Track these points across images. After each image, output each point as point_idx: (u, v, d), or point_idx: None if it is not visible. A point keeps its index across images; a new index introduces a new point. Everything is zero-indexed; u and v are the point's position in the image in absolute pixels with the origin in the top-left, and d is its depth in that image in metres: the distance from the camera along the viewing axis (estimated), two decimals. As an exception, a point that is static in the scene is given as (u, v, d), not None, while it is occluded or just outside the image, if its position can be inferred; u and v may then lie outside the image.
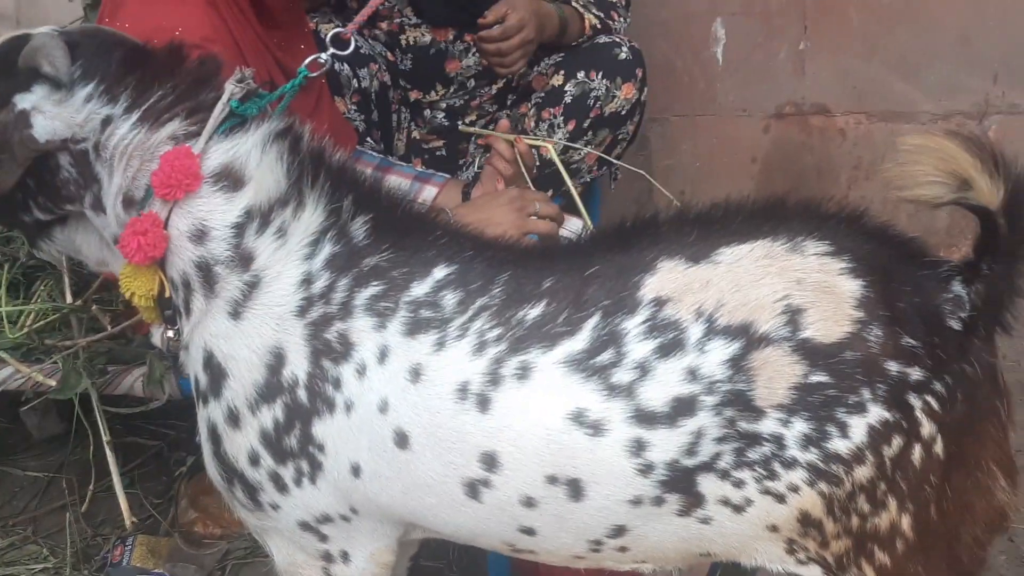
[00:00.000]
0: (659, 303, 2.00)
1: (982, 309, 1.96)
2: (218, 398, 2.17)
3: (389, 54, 3.35)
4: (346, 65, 3.22)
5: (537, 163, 3.08)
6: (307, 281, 2.14)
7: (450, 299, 2.11)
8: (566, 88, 3.29)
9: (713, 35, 3.99)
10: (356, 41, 3.22)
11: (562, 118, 3.28)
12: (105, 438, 2.92)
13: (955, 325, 1.96)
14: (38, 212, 2.26)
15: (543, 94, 3.33)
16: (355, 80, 3.25)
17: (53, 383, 2.84)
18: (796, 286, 1.96)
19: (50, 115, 2.13)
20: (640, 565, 2.20)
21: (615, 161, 3.32)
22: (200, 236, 2.12)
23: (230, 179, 2.13)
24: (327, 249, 2.16)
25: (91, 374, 2.85)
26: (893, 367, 1.92)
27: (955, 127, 3.83)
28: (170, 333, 2.22)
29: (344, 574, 2.29)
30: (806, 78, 4.02)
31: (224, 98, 2.14)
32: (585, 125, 3.27)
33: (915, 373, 1.93)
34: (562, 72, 3.32)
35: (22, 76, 2.13)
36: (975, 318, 1.96)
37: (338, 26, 3.12)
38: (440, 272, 2.14)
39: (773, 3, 3.97)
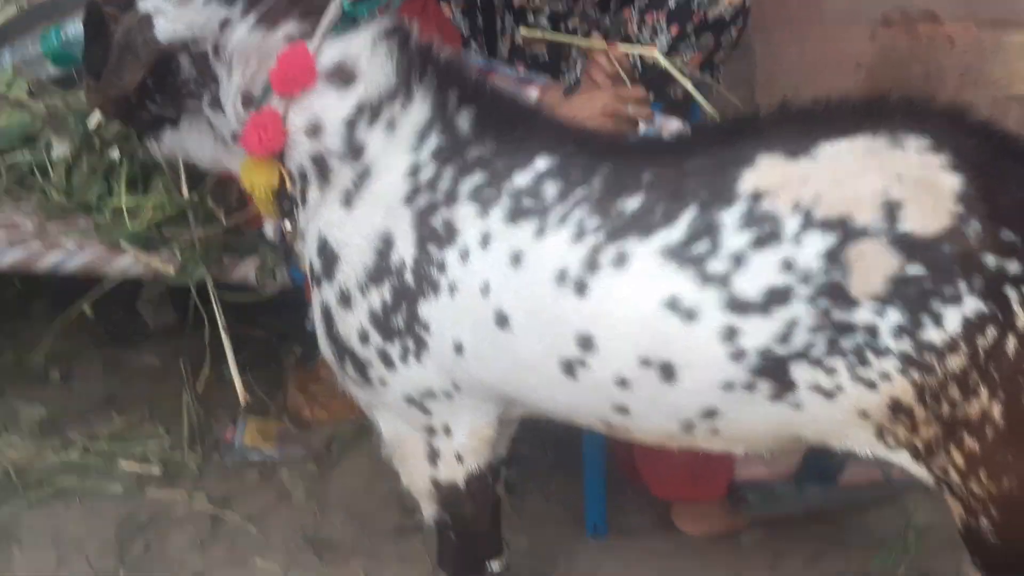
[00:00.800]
0: (757, 196, 2.01)
1: None
2: (331, 281, 2.25)
3: None
4: None
5: (639, 69, 3.05)
6: (414, 170, 2.20)
7: (551, 189, 2.13)
8: None
9: None
10: None
11: (665, 22, 3.16)
12: (221, 323, 3.00)
13: None
14: (156, 109, 2.32)
15: None
16: None
17: (172, 271, 2.91)
18: (896, 180, 1.95)
19: (171, 17, 2.20)
20: (732, 447, 2.25)
21: (692, 86, 3.22)
22: (316, 130, 2.19)
23: (343, 76, 2.19)
24: (433, 140, 2.20)
25: (207, 263, 2.91)
26: (991, 260, 1.92)
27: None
28: (288, 225, 2.31)
29: (445, 446, 2.37)
30: None
31: (346, 7, 2.18)
32: (688, 29, 3.15)
33: (1013, 266, 1.92)
34: None
35: None
36: None
37: None
38: (542, 163, 2.16)
39: None
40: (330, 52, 2.19)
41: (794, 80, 3.98)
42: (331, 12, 2.18)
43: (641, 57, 3.09)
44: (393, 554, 2.99)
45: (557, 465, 3.19)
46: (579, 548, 2.95)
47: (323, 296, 2.28)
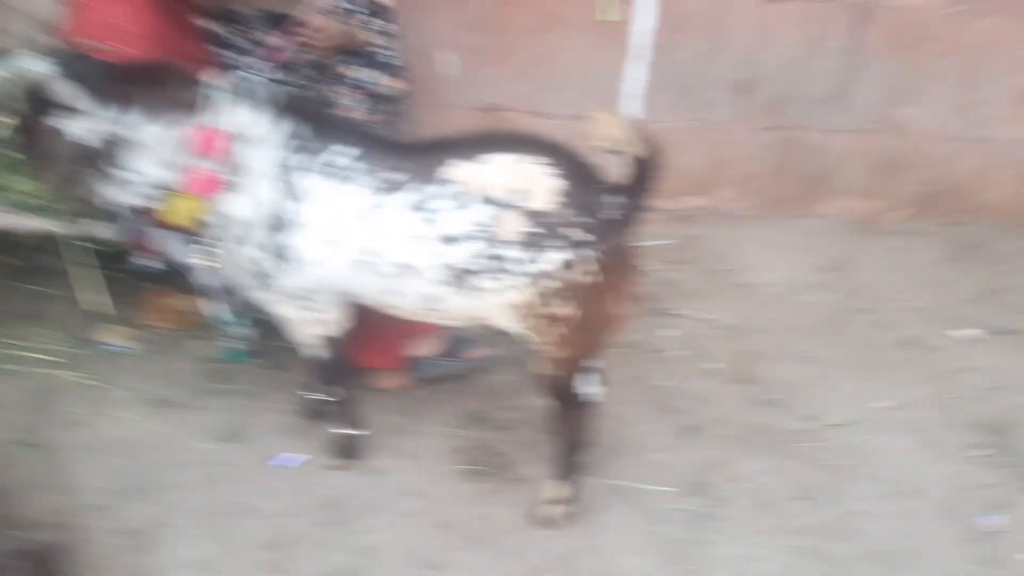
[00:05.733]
0: (456, 181, 2.04)
1: (626, 210, 1.99)
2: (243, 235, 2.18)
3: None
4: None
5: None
6: (276, 159, 2.10)
7: (353, 163, 2.10)
8: (358, 76, 3.00)
9: (444, 59, 3.76)
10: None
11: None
12: (91, 261, 2.86)
13: (615, 216, 2.00)
14: None
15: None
16: None
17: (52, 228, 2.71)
18: (527, 179, 2.01)
19: (85, 128, 2.01)
20: (452, 321, 2.25)
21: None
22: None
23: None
24: (288, 143, 2.11)
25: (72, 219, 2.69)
26: (576, 231, 1.99)
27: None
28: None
29: (325, 319, 2.30)
30: (492, 90, 3.84)
31: (212, 91, 2.09)
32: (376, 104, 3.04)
33: (588, 236, 2.00)
34: (348, 64, 2.99)
35: (61, 107, 2.00)
36: (624, 214, 2.00)
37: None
38: (346, 147, 2.11)
39: (478, 47, 3.76)
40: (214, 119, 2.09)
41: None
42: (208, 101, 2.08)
43: None
44: (205, 406, 2.77)
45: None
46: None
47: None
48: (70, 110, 1.97)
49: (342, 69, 3.04)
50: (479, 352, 2.92)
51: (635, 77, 3.88)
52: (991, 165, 4.21)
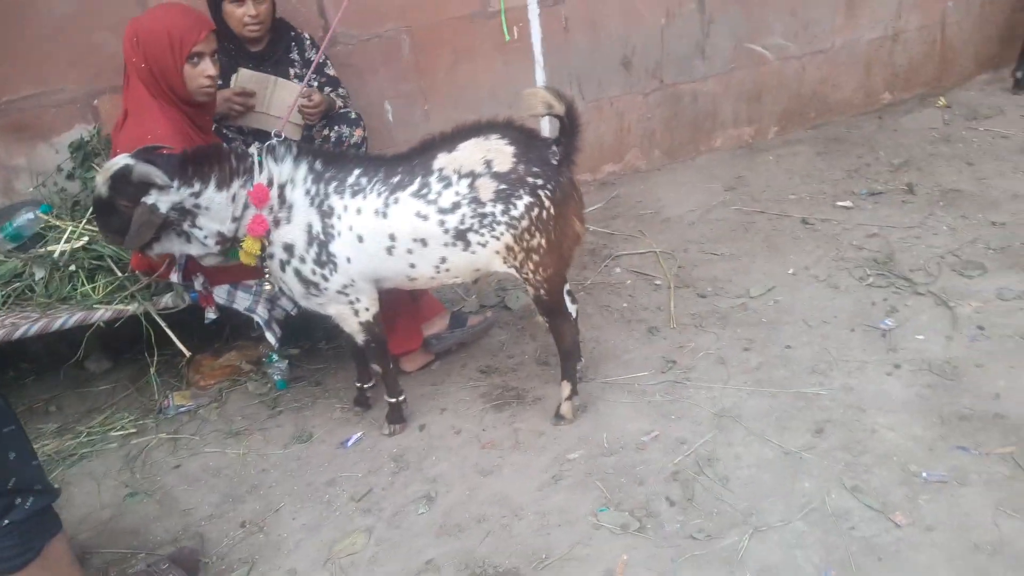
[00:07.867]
0: (441, 169, 2.40)
1: (563, 156, 2.38)
2: (293, 256, 2.49)
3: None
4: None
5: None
6: (308, 191, 2.47)
7: (364, 180, 2.46)
8: (330, 134, 3.46)
9: (386, 108, 4.12)
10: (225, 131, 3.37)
11: (331, 147, 3.40)
12: (164, 324, 2.98)
13: (554, 161, 2.37)
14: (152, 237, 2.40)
15: (320, 138, 3.48)
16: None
17: (130, 309, 2.96)
18: (488, 152, 2.37)
19: (164, 201, 2.35)
20: (455, 279, 2.57)
21: None
22: (271, 210, 2.46)
23: (270, 183, 2.44)
24: (310, 178, 2.47)
25: (145, 301, 3.01)
26: (530, 179, 2.35)
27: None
28: (268, 265, 2.53)
29: (360, 308, 2.63)
30: (430, 123, 4.13)
31: (258, 159, 2.44)
32: (344, 148, 3.43)
33: (539, 181, 2.36)
34: (328, 126, 3.46)
35: (141, 186, 2.32)
36: (561, 159, 2.38)
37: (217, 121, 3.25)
38: (356, 171, 2.48)
39: (410, 91, 4.09)
40: (263, 178, 2.44)
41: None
42: (257, 164, 2.42)
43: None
44: (272, 426, 3.05)
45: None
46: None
47: (294, 266, 2.48)
48: (150, 188, 2.30)
49: (320, 130, 3.50)
50: (478, 319, 3.25)
51: (539, 79, 4.37)
52: (833, 71, 4.89)
